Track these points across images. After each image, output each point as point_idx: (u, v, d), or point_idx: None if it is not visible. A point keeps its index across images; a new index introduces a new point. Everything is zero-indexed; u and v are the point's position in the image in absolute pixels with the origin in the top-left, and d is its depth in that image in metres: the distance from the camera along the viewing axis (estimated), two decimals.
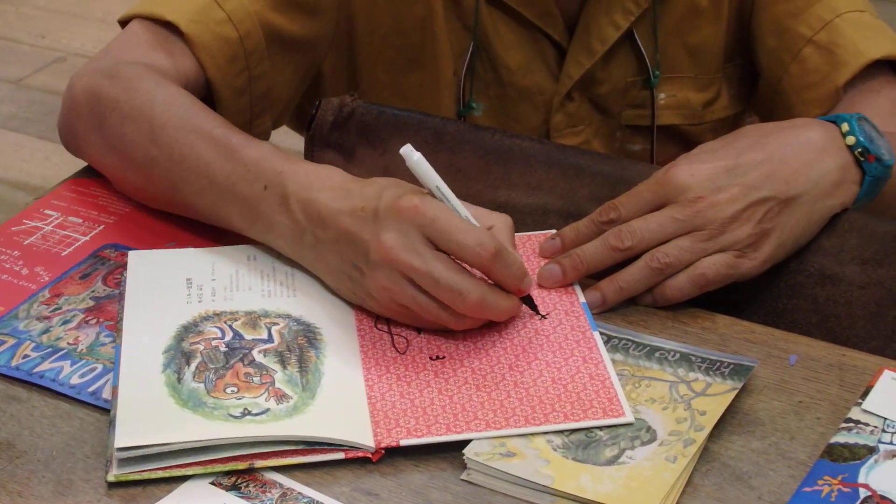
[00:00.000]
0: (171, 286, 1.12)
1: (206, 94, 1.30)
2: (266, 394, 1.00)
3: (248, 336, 1.06)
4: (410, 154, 1.03)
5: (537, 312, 1.09)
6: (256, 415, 0.98)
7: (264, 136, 1.39)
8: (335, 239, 1.06)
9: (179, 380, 1.01)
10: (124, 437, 0.95)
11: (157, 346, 1.04)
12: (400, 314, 1.07)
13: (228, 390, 1.00)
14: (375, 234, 1.03)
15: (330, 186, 1.08)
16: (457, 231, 1.02)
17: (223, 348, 1.05)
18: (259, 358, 1.04)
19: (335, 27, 1.40)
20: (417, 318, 1.06)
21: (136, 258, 1.15)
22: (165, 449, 0.94)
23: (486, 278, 1.05)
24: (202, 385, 1.00)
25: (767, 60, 1.45)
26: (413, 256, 1.02)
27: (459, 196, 1.06)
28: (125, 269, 1.15)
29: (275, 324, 1.08)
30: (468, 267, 1.04)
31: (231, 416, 0.97)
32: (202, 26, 1.29)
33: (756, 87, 1.50)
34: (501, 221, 1.09)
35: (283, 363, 1.03)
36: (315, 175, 1.09)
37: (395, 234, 1.02)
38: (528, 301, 1.09)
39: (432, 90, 1.44)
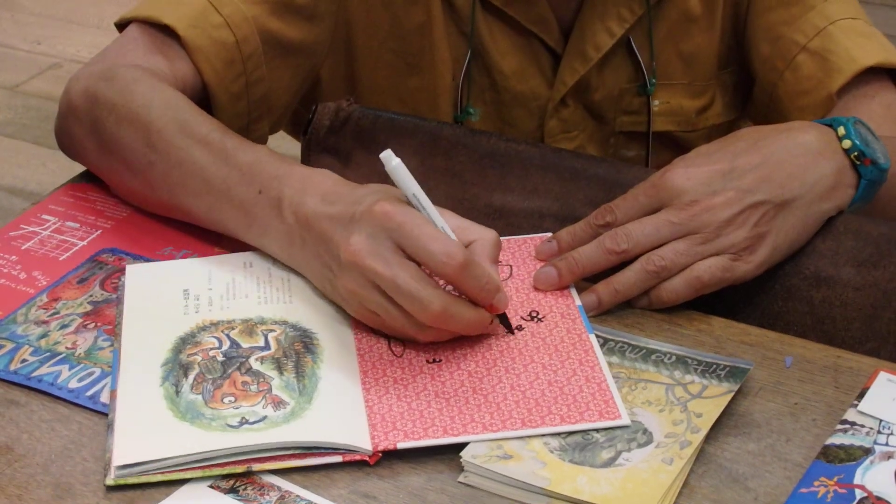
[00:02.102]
0: (169, 298, 1.12)
1: (203, 98, 1.30)
2: (263, 401, 1.00)
3: (245, 344, 1.06)
4: (389, 160, 1.03)
5: (510, 331, 1.08)
6: (254, 423, 0.98)
7: (261, 140, 1.39)
8: (315, 241, 1.07)
9: (177, 392, 1.01)
10: (124, 454, 0.95)
11: (155, 359, 1.05)
12: (370, 319, 1.06)
13: (226, 400, 1.00)
14: (346, 237, 1.03)
15: (322, 191, 1.08)
16: (426, 239, 1.01)
17: (220, 358, 1.05)
18: (256, 366, 1.04)
19: (333, 32, 1.41)
20: (385, 325, 1.05)
21: (133, 271, 1.15)
22: (165, 464, 0.95)
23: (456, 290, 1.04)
24: (200, 396, 1.01)
25: (762, 67, 1.45)
26: (378, 261, 1.01)
27: (454, 201, 1.06)
28: (123, 273, 1.15)
29: (271, 330, 1.08)
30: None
31: (229, 426, 0.98)
32: (199, 30, 1.29)
33: (750, 94, 1.50)
34: (485, 236, 1.07)
35: (280, 369, 1.03)
36: (309, 179, 1.10)
37: (363, 238, 1.01)
38: (503, 318, 1.07)
39: (431, 95, 1.44)
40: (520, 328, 1.09)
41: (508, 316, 1.09)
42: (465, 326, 1.04)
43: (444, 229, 1.04)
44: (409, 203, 1.04)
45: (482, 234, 1.07)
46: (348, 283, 1.04)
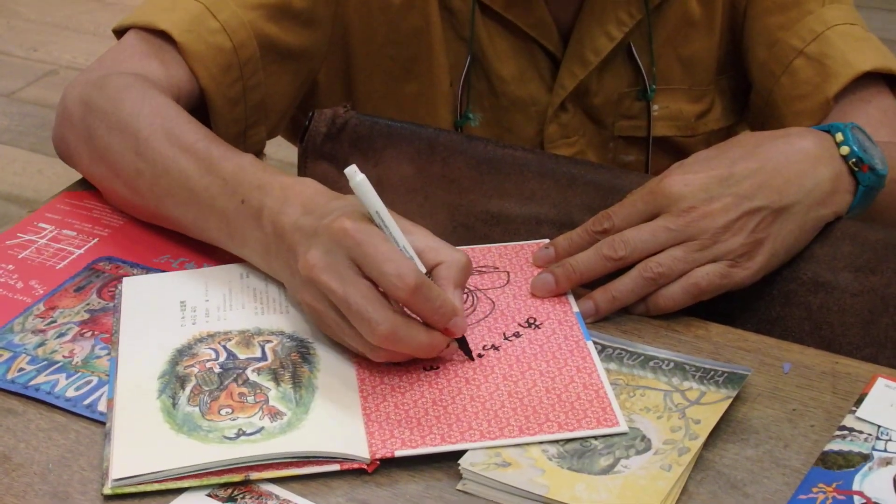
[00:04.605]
0: (166, 310, 1.12)
1: (200, 103, 1.30)
2: (260, 412, 1.00)
3: (241, 355, 1.06)
4: (354, 175, 1.01)
5: (470, 357, 1.06)
6: (251, 434, 0.98)
7: (259, 146, 1.39)
8: (285, 252, 1.06)
9: (174, 405, 1.01)
10: (121, 467, 0.95)
11: (151, 372, 1.04)
12: (330, 333, 1.05)
13: (223, 412, 1.00)
14: (306, 251, 1.02)
15: (301, 201, 1.07)
16: (381, 259, 0.99)
17: (217, 369, 1.04)
18: (253, 377, 1.04)
19: (331, 37, 1.40)
20: (343, 341, 1.05)
21: (130, 284, 1.15)
22: (161, 476, 0.95)
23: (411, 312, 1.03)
24: (197, 408, 1.00)
25: (759, 72, 1.45)
26: (332, 278, 1.00)
27: (451, 207, 1.05)
28: (120, 281, 1.15)
29: (268, 341, 1.08)
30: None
31: (226, 437, 0.97)
32: (196, 36, 1.29)
33: (748, 98, 1.50)
34: (453, 259, 1.04)
35: (277, 380, 1.03)
36: (290, 189, 1.09)
37: (320, 253, 1.01)
38: (462, 343, 1.05)
39: (429, 101, 1.44)
40: (517, 335, 1.08)
41: (504, 324, 1.09)
42: (417, 349, 1.02)
43: (405, 249, 1.02)
44: (372, 220, 1.02)
45: (450, 257, 1.05)
46: (305, 296, 1.03)
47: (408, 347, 1.02)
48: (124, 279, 1.15)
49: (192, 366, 1.05)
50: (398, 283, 0.99)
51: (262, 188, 1.10)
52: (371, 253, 0.99)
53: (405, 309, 1.02)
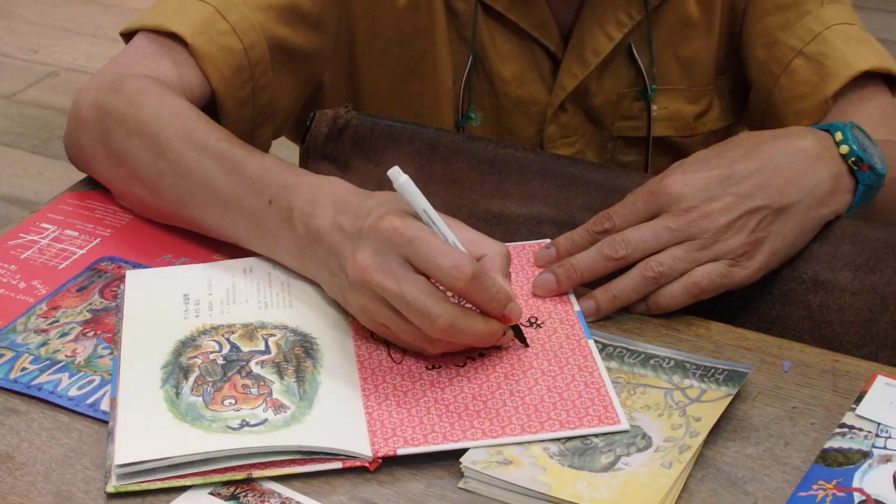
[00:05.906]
0: (169, 303, 1.12)
1: (209, 104, 1.31)
2: (264, 404, 1.00)
3: (245, 348, 1.06)
4: (397, 176, 1.02)
5: (525, 344, 1.07)
6: (254, 426, 0.98)
7: (265, 146, 1.39)
8: (325, 253, 1.07)
9: (178, 394, 1.01)
10: (124, 453, 0.95)
11: (155, 362, 1.05)
12: (383, 332, 1.06)
13: (226, 402, 1.00)
14: (353, 253, 1.02)
15: (332, 201, 1.08)
16: (435, 253, 1.00)
17: (221, 361, 1.05)
18: (256, 369, 1.04)
19: (336, 39, 1.41)
20: (397, 338, 1.05)
21: (133, 277, 1.15)
22: (165, 463, 0.95)
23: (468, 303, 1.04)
24: (200, 398, 1.01)
25: (758, 72, 1.45)
26: (386, 277, 1.00)
27: (453, 207, 1.06)
28: (122, 281, 1.15)
29: (272, 335, 1.08)
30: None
31: (229, 427, 0.98)
32: (206, 37, 1.29)
33: (747, 99, 1.51)
34: (495, 250, 1.06)
35: (281, 374, 1.04)
36: (318, 189, 1.09)
37: (370, 254, 1.01)
38: (517, 330, 1.07)
39: (432, 100, 1.44)
40: None
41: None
42: (476, 339, 1.03)
43: (455, 244, 1.03)
44: (416, 216, 1.03)
45: (493, 249, 1.06)
46: (358, 298, 1.04)
47: (467, 338, 1.03)
48: (127, 273, 1.16)
49: (196, 357, 1.05)
50: (457, 274, 1.00)
51: (288, 188, 1.10)
52: (425, 249, 1.00)
53: (461, 300, 1.03)
